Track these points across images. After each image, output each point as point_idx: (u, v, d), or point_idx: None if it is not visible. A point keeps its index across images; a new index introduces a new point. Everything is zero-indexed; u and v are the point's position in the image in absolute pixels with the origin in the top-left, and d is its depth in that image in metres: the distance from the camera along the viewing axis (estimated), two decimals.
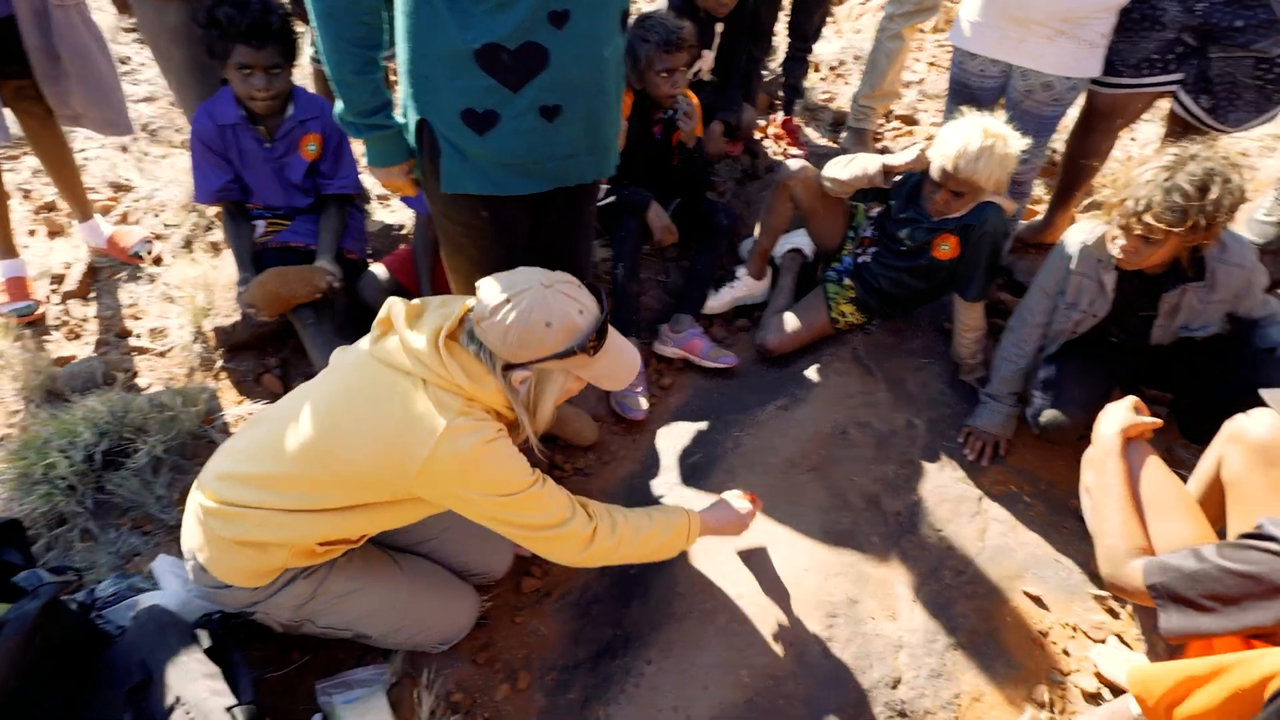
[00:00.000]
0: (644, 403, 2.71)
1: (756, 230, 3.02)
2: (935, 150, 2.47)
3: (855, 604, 2.14)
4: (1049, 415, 2.41)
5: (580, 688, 1.98)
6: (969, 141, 2.35)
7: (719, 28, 3.33)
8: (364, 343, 1.72)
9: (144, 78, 4.24)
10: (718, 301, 3.05)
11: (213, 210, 3.28)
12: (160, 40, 2.64)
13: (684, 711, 1.88)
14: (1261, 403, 1.67)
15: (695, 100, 3.16)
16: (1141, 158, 2.10)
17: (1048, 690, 2.03)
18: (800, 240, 3.11)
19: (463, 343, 1.64)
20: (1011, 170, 2.44)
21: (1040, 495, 2.50)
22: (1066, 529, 2.41)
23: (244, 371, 2.78)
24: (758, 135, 4.00)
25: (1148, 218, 2.00)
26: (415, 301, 1.74)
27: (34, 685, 1.58)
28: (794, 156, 3.89)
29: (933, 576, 2.24)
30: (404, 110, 1.82)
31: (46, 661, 1.61)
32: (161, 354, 2.82)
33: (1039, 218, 3.28)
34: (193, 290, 2.87)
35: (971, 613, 2.16)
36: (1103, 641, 2.16)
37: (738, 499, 2.06)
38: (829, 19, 4.88)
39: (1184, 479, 2.04)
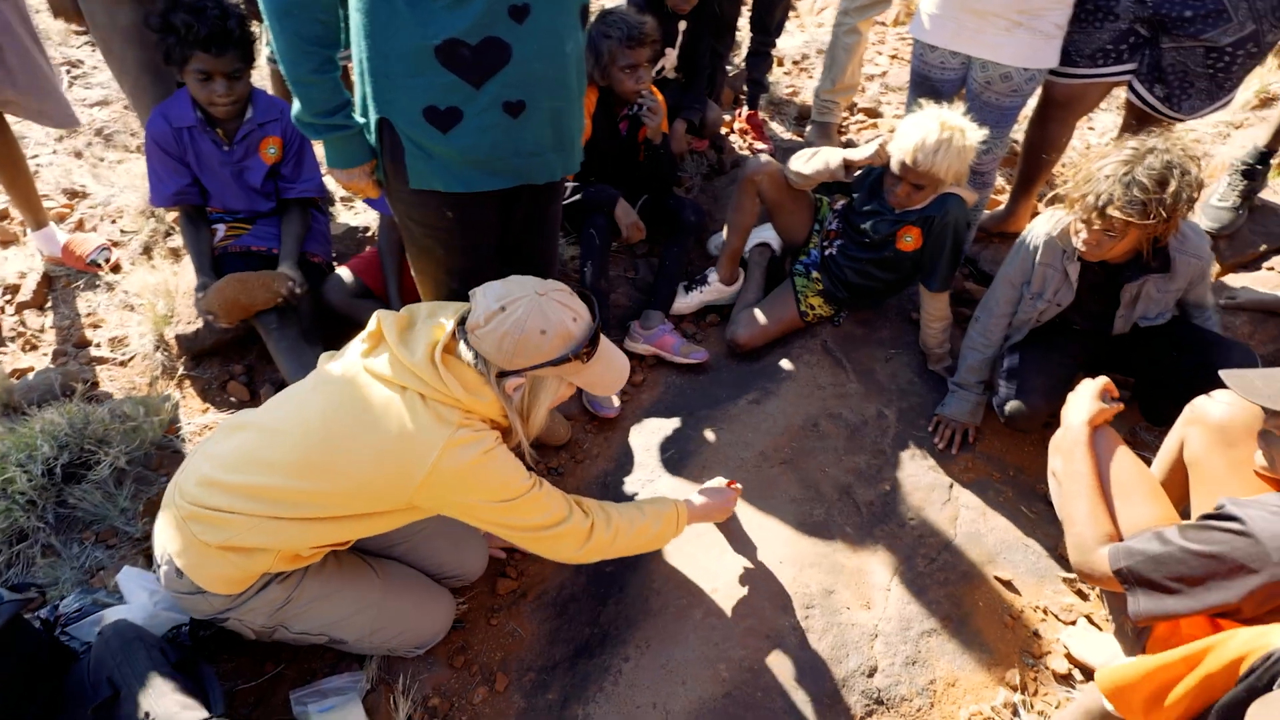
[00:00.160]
0: (616, 400, 2.71)
1: (725, 229, 3.02)
2: (895, 144, 2.49)
3: (830, 594, 2.15)
4: (1013, 406, 2.45)
5: (559, 688, 1.97)
6: (927, 135, 2.37)
7: (682, 25, 3.32)
8: (353, 355, 1.70)
9: (97, 81, 4.15)
10: (685, 303, 3.06)
11: (171, 215, 3.22)
12: (113, 42, 2.57)
13: (663, 707, 1.88)
14: (1221, 384, 1.70)
15: (660, 97, 3.16)
16: (1101, 151, 2.13)
17: (1020, 673, 2.07)
18: (768, 234, 3.13)
19: (459, 353, 1.65)
20: (970, 162, 2.46)
21: (1009, 481, 2.54)
22: (1035, 513, 2.44)
23: (208, 379, 2.73)
24: (723, 130, 4.01)
25: (1109, 211, 2.03)
26: (403, 312, 1.74)
27: None
28: (759, 151, 3.91)
29: (906, 564, 2.26)
30: (362, 110, 1.79)
31: (10, 681, 1.57)
32: (122, 363, 2.76)
33: (1001, 208, 3.32)
34: (153, 297, 2.81)
35: (944, 599, 2.19)
36: (1073, 623, 2.20)
37: (719, 488, 2.16)
38: (791, 13, 4.91)
39: (1147, 461, 2.08)
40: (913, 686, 2.01)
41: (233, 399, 2.67)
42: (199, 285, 2.56)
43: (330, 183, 3.29)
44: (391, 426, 1.57)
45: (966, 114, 2.44)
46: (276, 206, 2.76)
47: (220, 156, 2.58)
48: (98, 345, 2.81)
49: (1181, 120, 2.64)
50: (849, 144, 3.98)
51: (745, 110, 4.07)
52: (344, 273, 2.77)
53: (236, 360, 2.79)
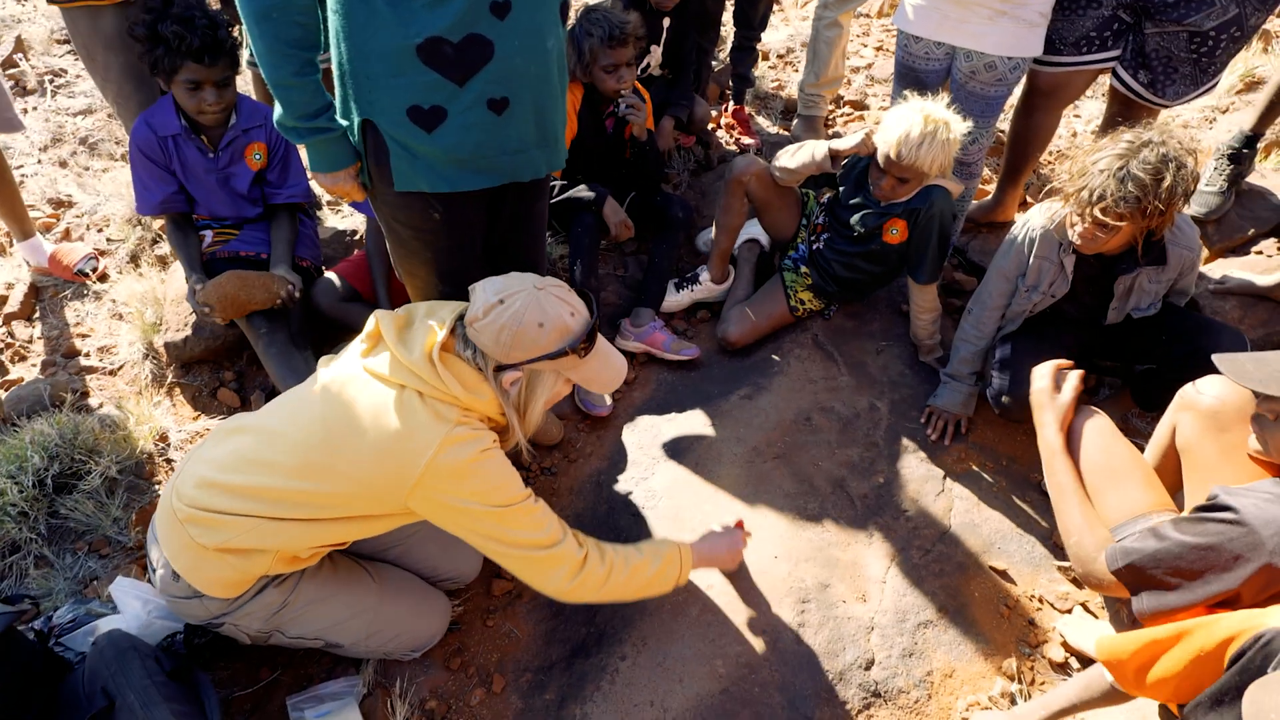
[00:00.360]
0: (609, 399, 2.71)
1: (714, 228, 3.02)
2: (879, 136, 2.49)
3: (826, 588, 2.15)
4: (1008, 398, 2.46)
5: (556, 688, 1.97)
6: (911, 128, 2.36)
7: (666, 22, 3.32)
8: (353, 355, 1.71)
9: (80, 90, 4.13)
10: (676, 301, 3.05)
11: (158, 223, 3.20)
12: (95, 49, 2.55)
13: (660, 705, 1.88)
14: (1212, 369, 1.71)
15: (645, 94, 3.16)
16: (1096, 144, 2.11)
17: (1017, 662, 2.07)
18: (756, 231, 3.12)
19: (457, 349, 1.65)
20: (955, 154, 2.46)
21: (1002, 471, 2.54)
22: (1029, 503, 2.45)
23: (198, 386, 2.72)
24: (710, 126, 4.00)
25: (1104, 206, 2.03)
26: (401, 312, 1.74)
27: None
28: (746, 146, 3.90)
29: (901, 557, 2.26)
30: (343, 113, 1.77)
31: (4, 693, 1.56)
32: (111, 372, 2.75)
33: (989, 198, 3.33)
34: (141, 306, 2.81)
35: (940, 590, 2.19)
36: (1068, 612, 2.20)
37: (728, 532, 2.06)
38: (775, 7, 4.90)
39: (1140, 448, 2.09)
40: (910, 678, 2.02)
41: (224, 406, 2.66)
42: (194, 281, 2.51)
43: (316, 186, 3.28)
44: (389, 424, 1.56)
45: (951, 105, 2.44)
46: (264, 212, 2.74)
47: (206, 164, 2.57)
48: (86, 355, 2.80)
49: (1166, 106, 2.64)
50: (835, 137, 3.98)
51: (731, 105, 4.06)
52: (332, 277, 2.76)
53: (227, 367, 2.78)
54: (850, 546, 2.27)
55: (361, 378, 1.64)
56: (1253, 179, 3.19)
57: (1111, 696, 1.64)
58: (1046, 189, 2.41)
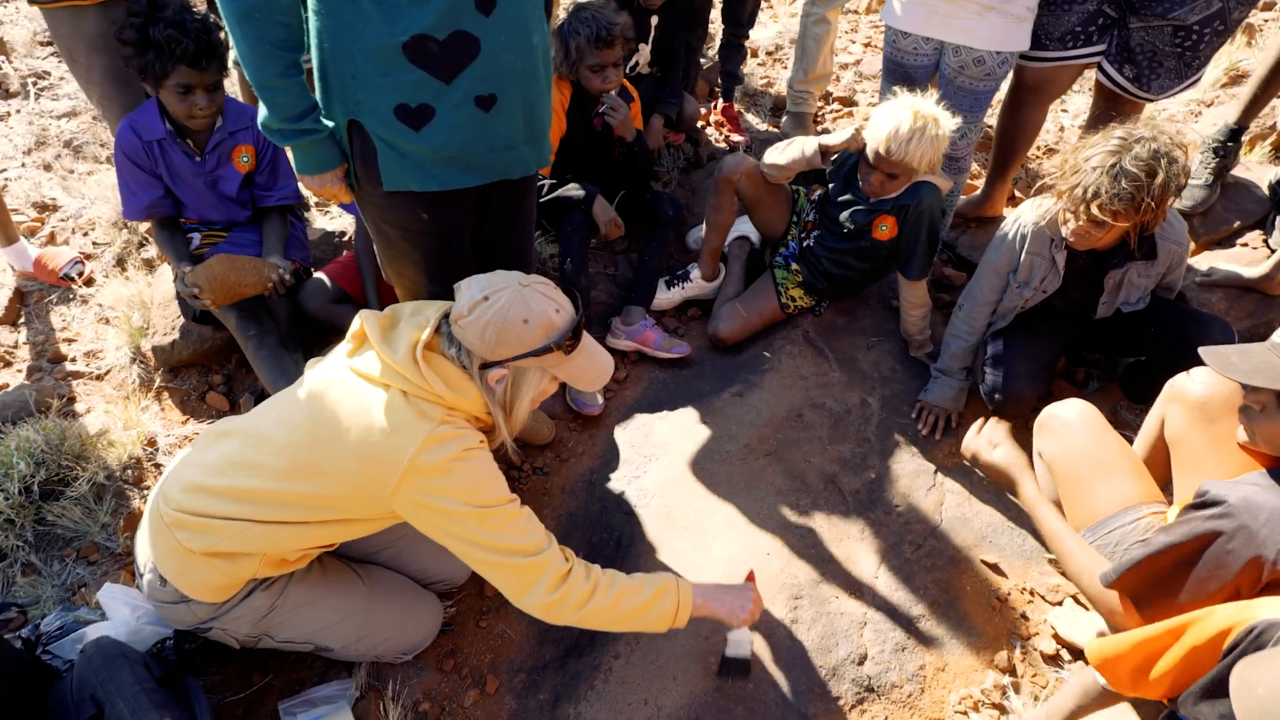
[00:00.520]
0: (600, 397, 2.70)
1: (704, 226, 3.02)
2: (868, 132, 2.49)
3: (818, 584, 2.16)
4: (1001, 396, 2.47)
5: (550, 687, 1.97)
6: (900, 124, 2.37)
7: (654, 20, 3.31)
8: (338, 357, 1.70)
9: (64, 92, 4.09)
10: (667, 299, 3.05)
11: (144, 226, 3.18)
12: (78, 51, 2.52)
13: (654, 703, 1.88)
14: (1200, 361, 1.71)
15: (634, 92, 3.15)
16: (1087, 141, 2.12)
17: (1009, 655, 2.08)
18: (747, 228, 3.12)
19: (442, 348, 1.64)
20: (944, 151, 2.46)
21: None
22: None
23: (187, 390, 2.70)
24: (699, 124, 4.00)
25: (1098, 203, 2.03)
26: (386, 312, 1.73)
27: None
28: (736, 143, 3.90)
29: (893, 551, 2.27)
30: (326, 114, 1.76)
31: None
32: (98, 377, 2.73)
33: (977, 193, 3.33)
34: (128, 310, 2.78)
35: (932, 584, 2.20)
36: (1059, 604, 2.21)
37: (744, 590, 1.87)
38: (763, 4, 4.90)
39: (1129, 440, 2.10)
40: (903, 673, 2.02)
41: (213, 409, 2.65)
42: (183, 267, 2.45)
43: (304, 188, 3.26)
44: (374, 424, 1.55)
45: (940, 100, 2.45)
46: (253, 215, 2.73)
47: (193, 168, 2.55)
48: (73, 360, 2.77)
49: (1152, 100, 2.65)
50: (825, 133, 3.98)
51: (720, 103, 4.06)
52: (321, 278, 2.75)
53: (215, 370, 2.77)
54: (842, 542, 2.28)
55: (348, 378, 1.63)
56: (1238, 172, 3.20)
57: (1106, 698, 1.65)
58: (1038, 185, 2.41)
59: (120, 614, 1.87)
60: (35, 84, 4.12)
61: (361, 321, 1.68)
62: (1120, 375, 2.65)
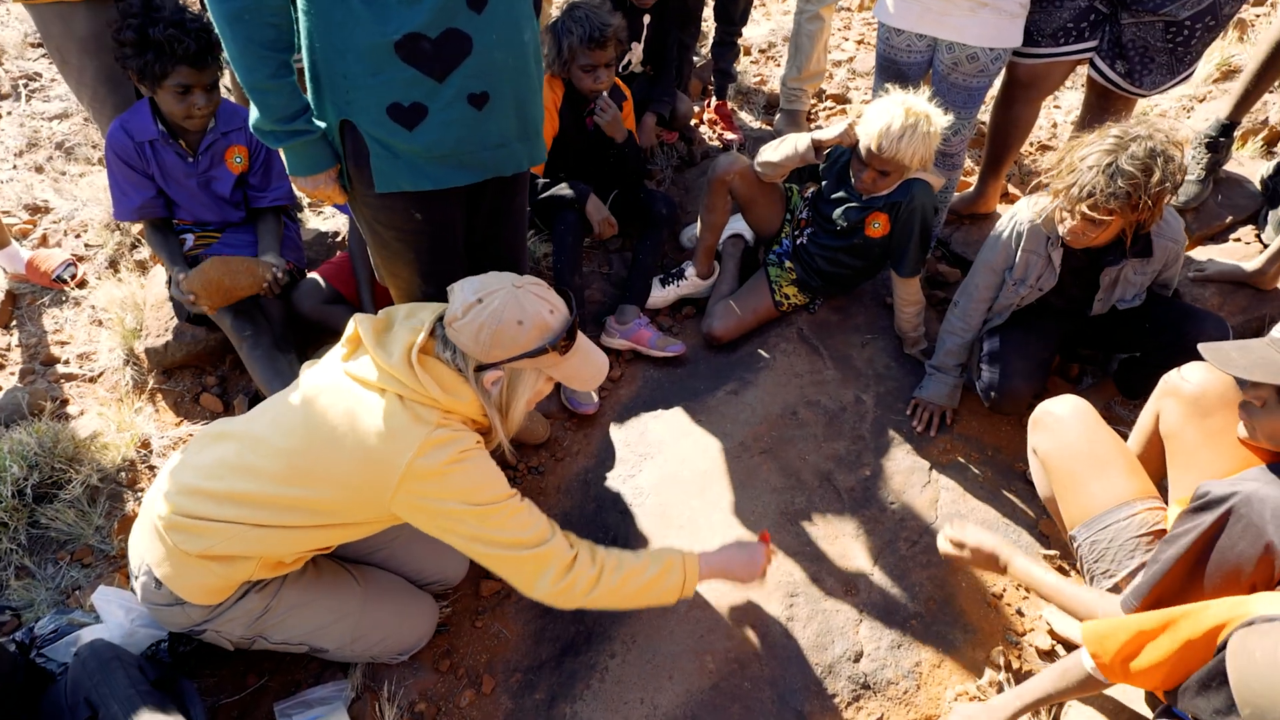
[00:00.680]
0: (595, 396, 2.70)
1: (698, 225, 3.02)
2: (860, 129, 2.49)
3: (814, 582, 2.16)
4: (997, 394, 2.47)
5: (545, 687, 1.97)
6: (891, 121, 2.37)
7: (647, 18, 3.31)
8: (333, 360, 1.70)
9: (55, 94, 4.07)
10: (662, 297, 3.05)
11: (137, 227, 3.17)
12: (70, 53, 2.51)
13: (650, 702, 1.88)
14: (1195, 356, 1.72)
15: (627, 91, 3.15)
16: (1082, 139, 2.12)
17: (1004, 651, 2.08)
18: (741, 226, 3.12)
19: (437, 351, 1.64)
20: (936, 148, 2.46)
21: (988, 461, 2.55)
22: (1014, 492, 2.46)
23: (180, 392, 2.69)
24: (693, 122, 4.00)
25: (1094, 202, 2.03)
26: (381, 315, 1.73)
27: None
28: (729, 141, 3.90)
29: (888, 549, 2.27)
30: (318, 115, 1.75)
31: None
32: (91, 379, 2.72)
33: (970, 189, 3.34)
34: (121, 311, 2.78)
35: (927, 581, 2.20)
36: None
37: (751, 545, 1.92)
38: (756, 1, 4.90)
39: (1123, 436, 2.10)
40: (899, 670, 2.02)
41: (207, 411, 2.64)
42: (177, 273, 2.45)
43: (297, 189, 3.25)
44: (371, 429, 1.55)
45: (933, 97, 2.45)
46: (247, 215, 2.72)
47: (185, 169, 2.53)
48: (66, 362, 2.77)
49: (1144, 96, 2.65)
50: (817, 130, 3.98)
51: (713, 101, 4.06)
52: (315, 279, 2.74)
53: (209, 372, 2.76)
54: (837, 539, 2.28)
55: (343, 382, 1.63)
56: (1230, 167, 3.21)
57: (1088, 685, 1.64)
58: (1034, 183, 2.42)
59: (114, 616, 1.86)
60: (26, 86, 4.11)
61: (356, 325, 1.67)
62: (1114, 371, 2.65)
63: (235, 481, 1.61)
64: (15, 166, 3.56)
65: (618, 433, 2.61)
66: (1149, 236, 2.24)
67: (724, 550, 1.88)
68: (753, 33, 4.89)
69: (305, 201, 3.44)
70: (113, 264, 3.11)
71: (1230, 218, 3.09)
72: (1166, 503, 1.91)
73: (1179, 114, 3.71)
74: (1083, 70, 2.80)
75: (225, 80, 3.37)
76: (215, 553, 1.61)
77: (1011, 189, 3.48)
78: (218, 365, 2.78)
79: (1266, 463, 1.58)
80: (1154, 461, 2.03)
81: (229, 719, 1.90)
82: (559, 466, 2.53)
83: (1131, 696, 1.93)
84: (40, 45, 4.37)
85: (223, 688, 1.94)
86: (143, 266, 3.09)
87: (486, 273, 1.68)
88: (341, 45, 1.61)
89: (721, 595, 2.09)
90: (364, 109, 1.69)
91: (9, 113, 3.90)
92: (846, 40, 4.83)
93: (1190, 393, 1.88)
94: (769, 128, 4.07)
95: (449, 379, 1.61)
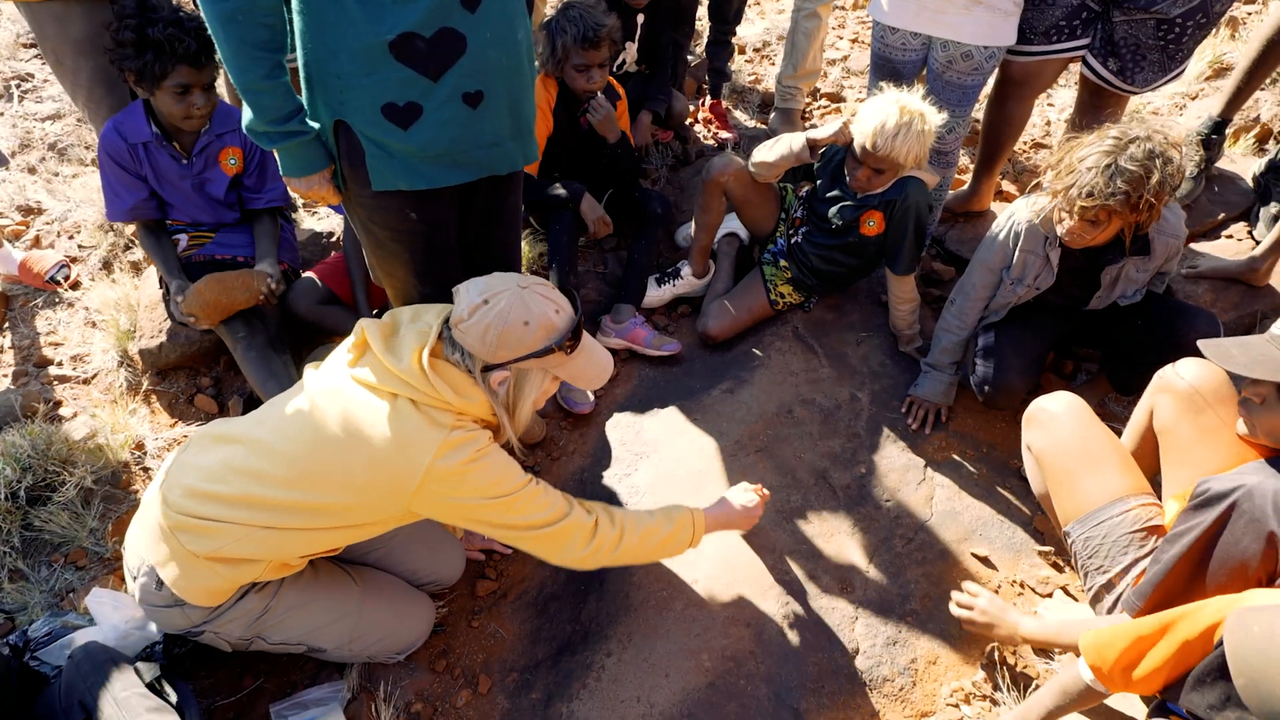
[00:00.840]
0: (591, 395, 2.70)
1: (693, 226, 3.02)
2: (855, 127, 2.49)
3: (810, 579, 2.16)
4: (991, 389, 2.48)
5: (542, 686, 1.97)
6: (886, 119, 2.37)
7: (640, 18, 3.31)
8: (338, 365, 1.69)
9: (48, 95, 4.06)
10: (658, 296, 3.05)
11: (130, 229, 3.16)
12: (64, 54, 2.50)
13: (647, 701, 1.88)
14: (1188, 352, 1.72)
15: (621, 90, 3.15)
16: (1081, 140, 2.12)
17: (999, 647, 2.08)
18: (736, 224, 3.12)
19: (445, 353, 1.65)
20: (930, 146, 2.47)
21: (983, 458, 2.56)
22: (1009, 489, 2.47)
23: (175, 393, 2.69)
24: (687, 121, 4.00)
25: (1093, 203, 2.04)
26: (386, 319, 1.73)
27: None
28: (724, 140, 3.90)
29: (884, 546, 2.27)
30: (312, 115, 1.75)
31: None
32: (85, 381, 2.71)
33: (965, 187, 3.34)
34: (115, 313, 2.77)
35: (923, 578, 2.21)
36: (1049, 596, 2.22)
37: (743, 492, 2.03)
38: (750, 0, 4.90)
39: (1117, 432, 2.11)
40: (894, 666, 2.03)
41: (201, 412, 2.64)
42: (175, 289, 2.46)
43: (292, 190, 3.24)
44: (385, 434, 1.56)
45: (928, 95, 2.45)
46: (242, 216, 2.71)
47: (179, 170, 2.53)
48: (59, 364, 2.76)
49: (1136, 93, 2.66)
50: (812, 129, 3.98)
51: (708, 100, 4.06)
52: (311, 278, 2.74)
53: (204, 373, 2.75)
54: (833, 537, 2.28)
55: (350, 388, 1.62)
56: (1222, 164, 3.22)
57: (1089, 697, 1.63)
58: (1033, 184, 2.42)
59: (109, 619, 1.86)
60: (19, 86, 4.09)
61: (363, 331, 1.68)
62: (1107, 367, 2.66)
63: (242, 485, 1.61)
64: (8, 168, 3.55)
65: (613, 432, 2.62)
66: (1147, 235, 2.25)
67: (722, 503, 1.99)
68: (747, 31, 4.89)
69: (300, 202, 3.44)
70: (106, 265, 3.11)
71: (1222, 214, 3.10)
72: (1160, 499, 1.92)
73: (1171, 111, 3.72)
74: (1075, 68, 2.80)
75: (220, 81, 3.37)
76: (224, 555, 1.61)
77: (1005, 186, 3.49)
78: (212, 366, 2.78)
79: (1265, 458, 1.59)
80: (1148, 457, 2.04)
81: None
82: (555, 466, 2.53)
83: (1129, 696, 1.94)
84: (32, 46, 4.36)
85: (219, 689, 1.94)
86: (136, 268, 3.09)
87: (491, 274, 1.68)
88: (335, 45, 1.61)
89: (718, 593, 2.09)
90: (358, 109, 1.68)
91: (1, 114, 3.89)
92: (841, 39, 4.83)
93: (1184, 389, 1.89)
94: (764, 126, 4.07)
95: (460, 381, 1.62)
